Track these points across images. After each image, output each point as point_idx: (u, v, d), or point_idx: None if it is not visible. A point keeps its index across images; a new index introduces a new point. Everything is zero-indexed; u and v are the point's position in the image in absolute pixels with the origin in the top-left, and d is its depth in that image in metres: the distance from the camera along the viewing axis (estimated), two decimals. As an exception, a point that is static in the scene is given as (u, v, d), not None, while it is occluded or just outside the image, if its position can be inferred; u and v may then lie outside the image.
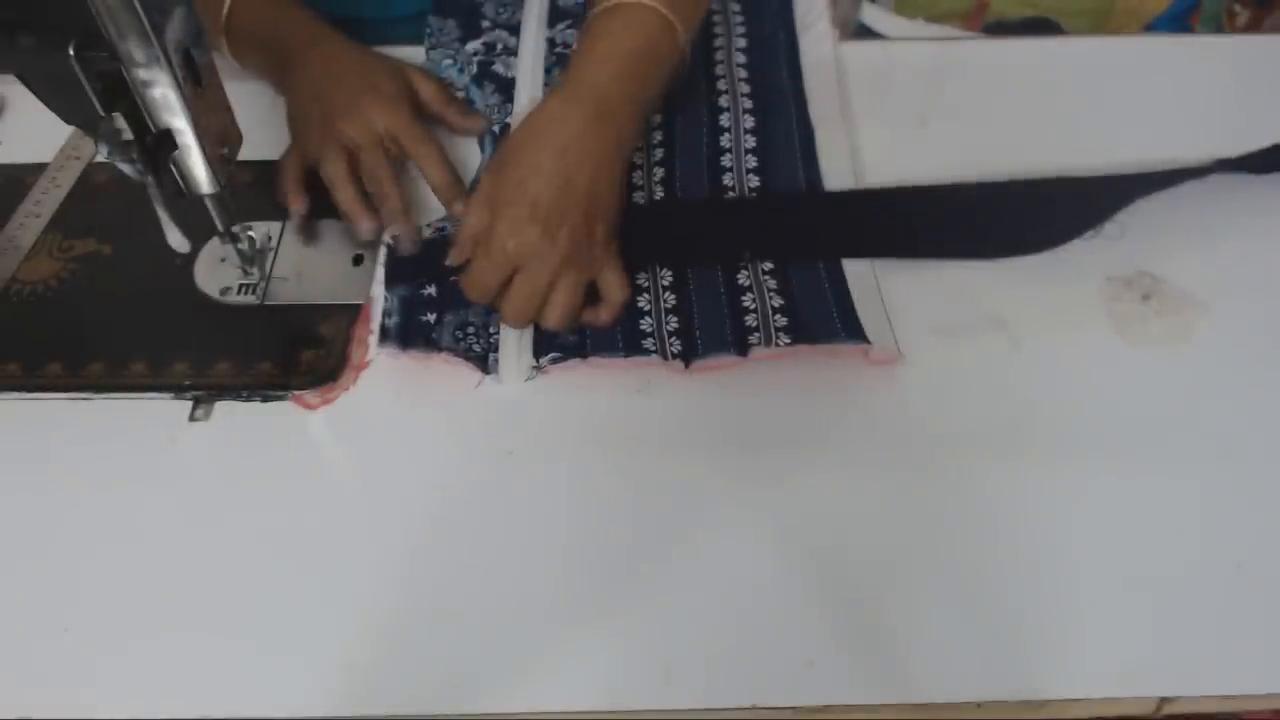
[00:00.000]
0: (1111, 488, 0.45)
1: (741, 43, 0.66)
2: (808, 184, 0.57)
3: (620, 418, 0.48)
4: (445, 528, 0.44)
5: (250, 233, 0.52)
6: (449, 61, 0.65)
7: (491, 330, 0.51)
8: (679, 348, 0.49)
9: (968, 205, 0.56)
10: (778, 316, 0.50)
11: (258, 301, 0.53)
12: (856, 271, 0.52)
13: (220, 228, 0.49)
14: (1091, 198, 0.56)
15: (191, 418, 0.48)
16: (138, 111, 0.42)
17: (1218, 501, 0.45)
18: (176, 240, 0.47)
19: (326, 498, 0.46)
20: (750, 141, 0.59)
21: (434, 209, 0.57)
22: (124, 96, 0.41)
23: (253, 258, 0.52)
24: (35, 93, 0.42)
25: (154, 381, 0.49)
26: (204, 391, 0.49)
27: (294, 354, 0.50)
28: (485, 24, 0.68)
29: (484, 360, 0.49)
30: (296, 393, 0.49)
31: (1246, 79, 0.66)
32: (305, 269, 0.54)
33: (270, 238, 0.55)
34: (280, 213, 0.56)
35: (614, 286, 0.51)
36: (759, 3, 0.69)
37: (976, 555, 0.43)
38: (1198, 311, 0.52)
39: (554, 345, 0.50)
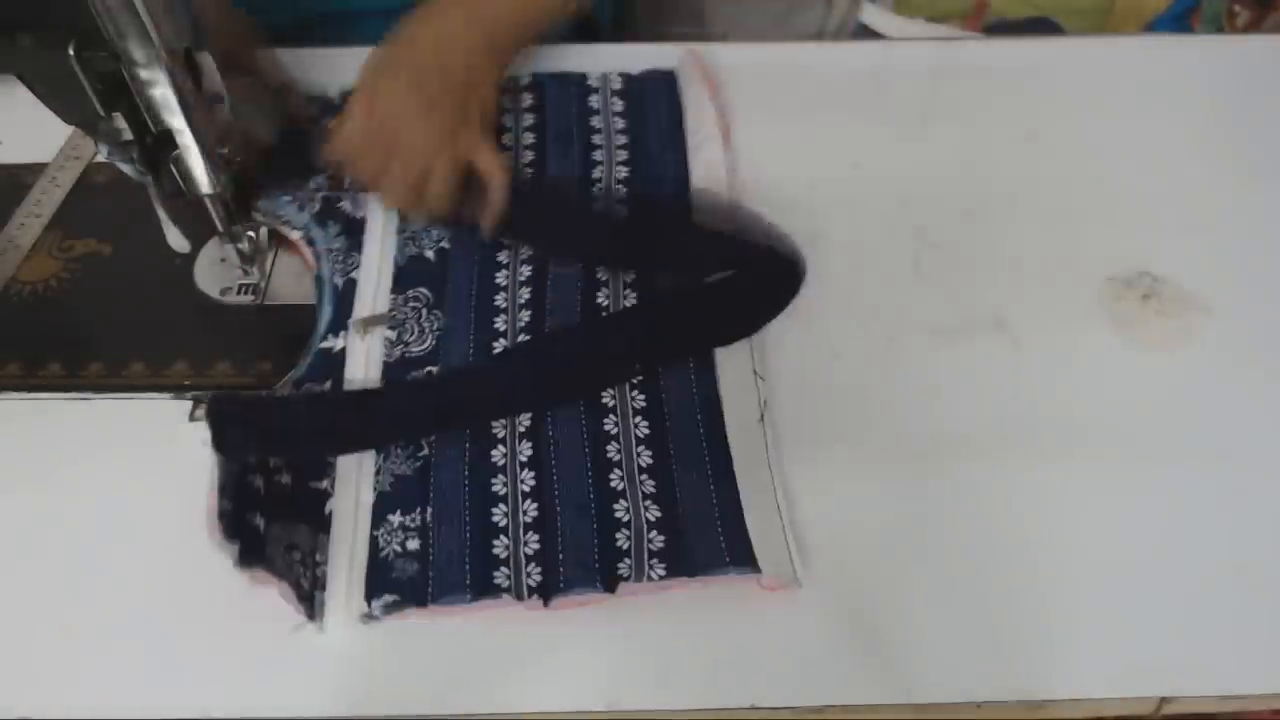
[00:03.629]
0: (1112, 487, 0.45)
1: (622, 171, 0.58)
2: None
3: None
4: (445, 528, 0.44)
5: (250, 233, 0.52)
6: (287, 198, 0.54)
7: (318, 558, 0.43)
8: (538, 578, 0.41)
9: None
10: (653, 535, 0.42)
11: (258, 301, 0.53)
12: (754, 478, 0.45)
13: (220, 228, 0.49)
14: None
15: (191, 418, 0.48)
16: (138, 111, 0.42)
17: (1218, 501, 0.45)
18: (176, 240, 0.47)
19: (326, 498, 0.45)
20: (628, 275, 0.53)
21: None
22: (124, 96, 0.41)
23: (253, 258, 0.52)
24: (35, 93, 0.42)
25: (154, 381, 0.49)
26: (204, 391, 0.49)
27: (294, 354, 0.50)
28: None
29: (311, 601, 0.41)
30: (296, 393, 0.49)
31: (1246, 79, 0.66)
32: (305, 269, 0.54)
33: (270, 238, 0.55)
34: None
35: (493, 166, 0.52)
36: (643, 116, 0.61)
37: (976, 555, 0.43)
38: (1198, 311, 0.52)
39: (389, 584, 0.42)
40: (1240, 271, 0.54)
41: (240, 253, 0.52)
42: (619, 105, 0.61)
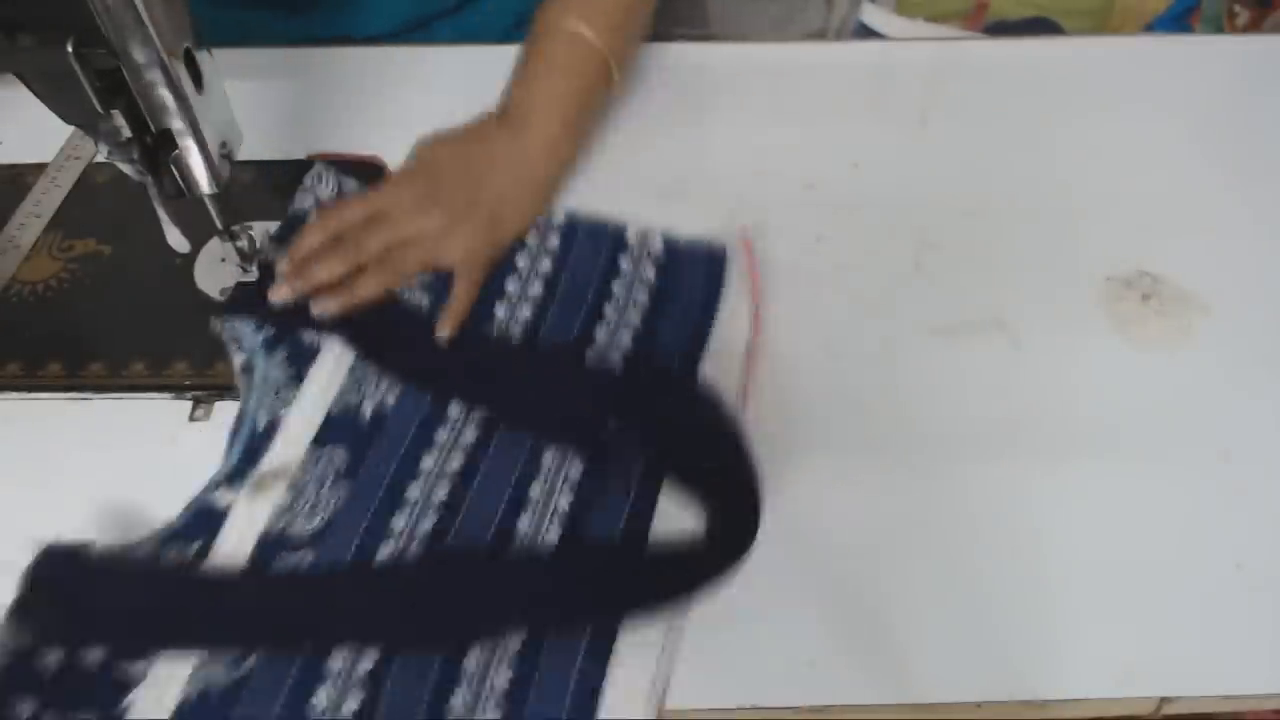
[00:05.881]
0: (1111, 487, 0.45)
1: (625, 338, 0.50)
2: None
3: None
4: (445, 528, 0.44)
5: (250, 232, 0.52)
6: (250, 323, 0.49)
7: None
8: None
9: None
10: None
11: (258, 301, 0.53)
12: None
13: (220, 227, 0.49)
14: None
15: (191, 418, 0.48)
16: (137, 111, 0.42)
17: (1217, 501, 0.45)
18: (176, 240, 0.47)
19: (326, 498, 0.45)
20: (564, 503, 0.45)
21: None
22: (123, 95, 0.41)
23: (252, 257, 0.52)
24: (35, 92, 0.42)
25: (154, 381, 0.49)
26: (204, 391, 0.49)
27: (294, 354, 0.50)
28: None
29: None
30: (296, 393, 0.49)
31: (1246, 79, 0.66)
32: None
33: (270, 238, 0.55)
34: (280, 213, 0.56)
35: (461, 291, 0.50)
36: (676, 293, 0.53)
37: (976, 555, 0.43)
38: (1198, 311, 0.52)
39: None
40: (1240, 271, 0.54)
41: (240, 252, 0.52)
42: (650, 272, 0.54)
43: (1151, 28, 1.02)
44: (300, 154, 0.60)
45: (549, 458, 0.46)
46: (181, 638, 0.40)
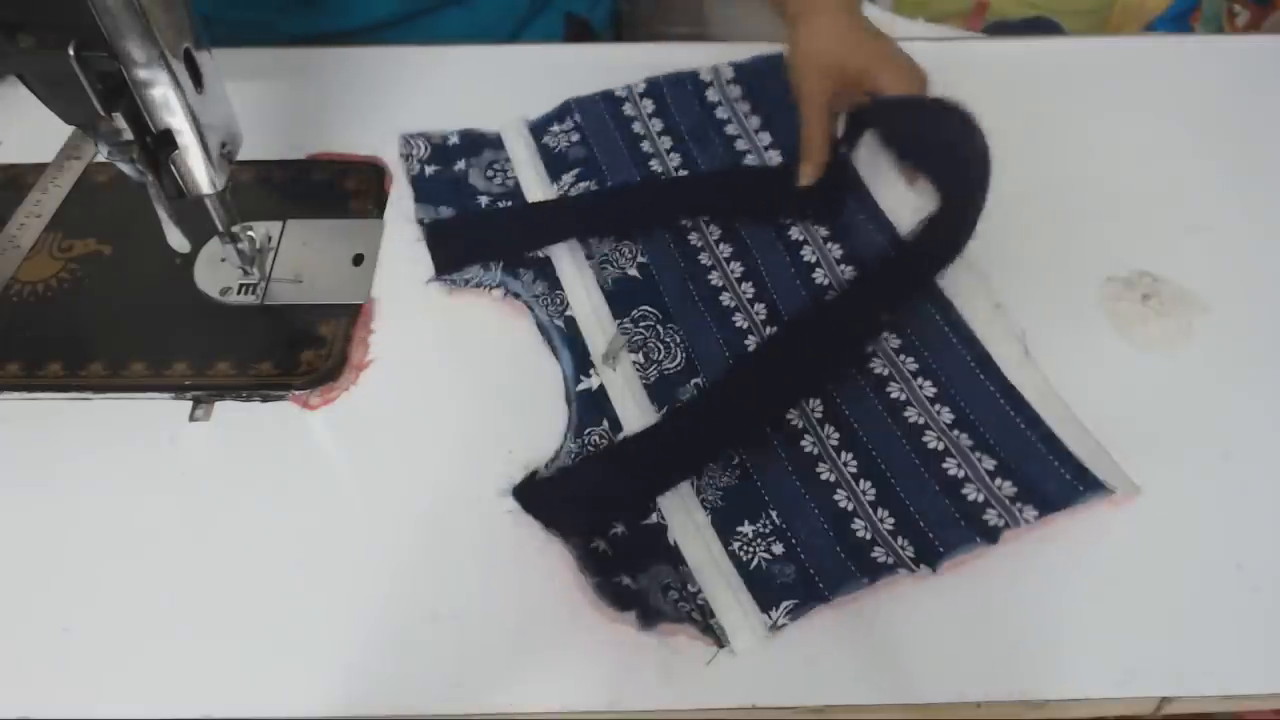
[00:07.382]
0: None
1: (774, 156, 0.58)
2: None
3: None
4: (445, 527, 0.44)
5: (250, 233, 0.52)
6: (475, 267, 0.53)
7: (690, 589, 0.42)
8: (911, 550, 0.42)
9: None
10: (999, 482, 0.44)
11: (258, 301, 0.53)
12: (1049, 408, 0.46)
13: (220, 228, 0.49)
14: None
15: (191, 418, 0.48)
16: (138, 111, 0.42)
17: (1218, 501, 0.45)
18: (177, 240, 0.47)
19: (326, 498, 0.46)
20: (836, 251, 0.53)
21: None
22: (124, 96, 0.41)
23: (253, 258, 0.52)
24: (35, 93, 0.42)
25: (154, 381, 0.49)
26: (204, 391, 0.49)
27: (294, 354, 0.50)
28: (482, 199, 0.57)
29: (712, 630, 0.40)
30: (296, 393, 0.49)
31: (1246, 79, 0.66)
32: (305, 269, 0.54)
33: (270, 238, 0.55)
34: (280, 213, 0.56)
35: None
36: (768, 101, 0.61)
37: (976, 555, 0.43)
38: (1198, 311, 0.52)
39: (778, 591, 0.41)
40: (1240, 271, 0.54)
41: (240, 253, 0.52)
42: (736, 92, 0.62)
43: (1151, 28, 1.02)
44: (300, 154, 0.60)
45: (795, 231, 0.54)
46: (678, 475, 0.44)
